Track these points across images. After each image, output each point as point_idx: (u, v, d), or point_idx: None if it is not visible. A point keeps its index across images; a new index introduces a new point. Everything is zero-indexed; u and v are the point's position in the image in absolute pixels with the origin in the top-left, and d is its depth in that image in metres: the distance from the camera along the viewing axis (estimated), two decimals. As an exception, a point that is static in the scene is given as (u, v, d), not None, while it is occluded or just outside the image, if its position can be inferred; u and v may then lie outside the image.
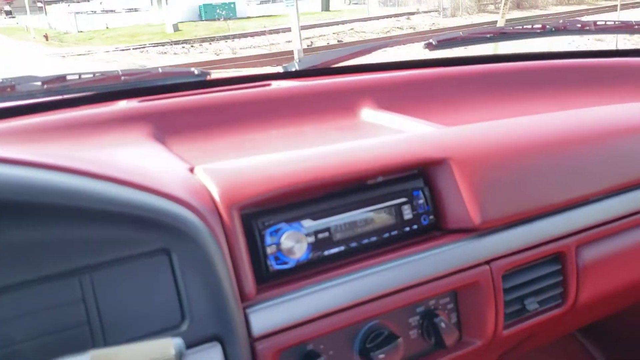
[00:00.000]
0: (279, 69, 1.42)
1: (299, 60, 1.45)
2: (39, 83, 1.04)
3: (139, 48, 16.16)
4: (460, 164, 0.90)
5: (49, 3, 32.15)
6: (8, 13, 40.59)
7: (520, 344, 1.04)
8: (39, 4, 30.68)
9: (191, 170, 0.81)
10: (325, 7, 30.33)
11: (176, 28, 22.29)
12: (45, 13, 30.41)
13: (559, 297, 1.00)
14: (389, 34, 16.73)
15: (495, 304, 0.91)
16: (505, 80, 1.30)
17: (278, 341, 0.75)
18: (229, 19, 25.50)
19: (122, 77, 1.10)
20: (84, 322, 0.63)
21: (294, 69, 1.41)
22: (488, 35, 1.43)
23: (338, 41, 15.59)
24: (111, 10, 29.51)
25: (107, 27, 26.61)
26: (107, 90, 1.09)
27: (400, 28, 18.09)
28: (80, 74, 1.09)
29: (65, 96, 1.06)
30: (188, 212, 0.69)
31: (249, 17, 26.91)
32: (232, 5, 27.42)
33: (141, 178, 0.69)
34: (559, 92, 1.29)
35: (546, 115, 1.07)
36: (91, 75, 1.09)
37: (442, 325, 0.87)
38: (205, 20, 25.98)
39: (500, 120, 1.02)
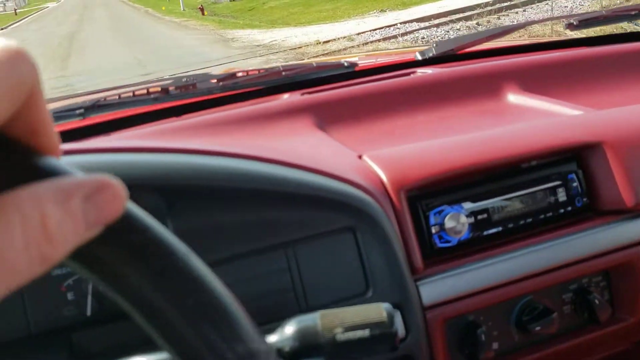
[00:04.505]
0: (418, 56, 1.49)
1: (436, 45, 1.51)
2: (215, 80, 1.19)
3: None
4: (614, 148, 0.93)
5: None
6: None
7: None
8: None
9: (359, 157, 0.91)
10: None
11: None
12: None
13: None
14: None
15: None
16: None
17: (444, 311, 0.84)
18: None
19: (283, 72, 1.22)
20: (290, 288, 0.75)
21: (431, 54, 1.47)
22: (633, 13, 1.40)
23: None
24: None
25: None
26: (271, 84, 1.22)
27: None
28: (247, 71, 1.23)
29: (237, 91, 1.21)
30: (367, 196, 0.80)
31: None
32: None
33: (328, 167, 0.81)
34: None
35: None
36: (257, 72, 1.22)
37: (596, 301, 0.91)
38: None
39: None
